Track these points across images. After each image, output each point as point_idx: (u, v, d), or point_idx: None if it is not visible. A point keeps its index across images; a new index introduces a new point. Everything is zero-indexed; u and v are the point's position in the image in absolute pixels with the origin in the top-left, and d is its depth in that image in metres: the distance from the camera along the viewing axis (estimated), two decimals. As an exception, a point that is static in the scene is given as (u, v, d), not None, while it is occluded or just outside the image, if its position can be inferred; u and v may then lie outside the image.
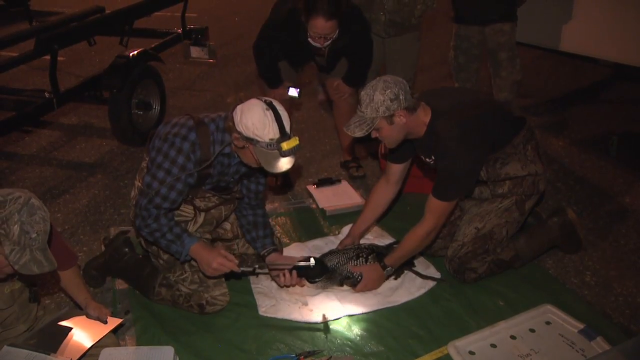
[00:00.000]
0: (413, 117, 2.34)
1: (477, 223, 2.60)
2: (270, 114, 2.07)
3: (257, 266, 2.44)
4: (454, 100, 2.48)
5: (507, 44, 3.78)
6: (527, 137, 2.58)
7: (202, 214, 2.44)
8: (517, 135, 2.55)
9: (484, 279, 2.63)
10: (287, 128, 2.10)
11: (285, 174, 2.19)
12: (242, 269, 2.35)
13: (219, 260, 2.26)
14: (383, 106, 2.26)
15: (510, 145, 2.54)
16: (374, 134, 2.37)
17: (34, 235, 1.69)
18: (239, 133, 2.10)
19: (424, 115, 2.39)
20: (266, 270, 2.52)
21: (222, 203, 2.45)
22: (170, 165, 2.16)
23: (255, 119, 2.06)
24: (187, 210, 2.41)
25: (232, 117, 2.14)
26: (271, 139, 2.07)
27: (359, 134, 2.32)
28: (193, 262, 2.37)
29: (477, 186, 2.62)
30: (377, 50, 3.57)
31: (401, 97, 2.26)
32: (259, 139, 2.07)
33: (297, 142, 2.12)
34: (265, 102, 2.11)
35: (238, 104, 2.15)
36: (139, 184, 2.38)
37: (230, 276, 2.44)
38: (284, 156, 2.11)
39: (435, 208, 2.42)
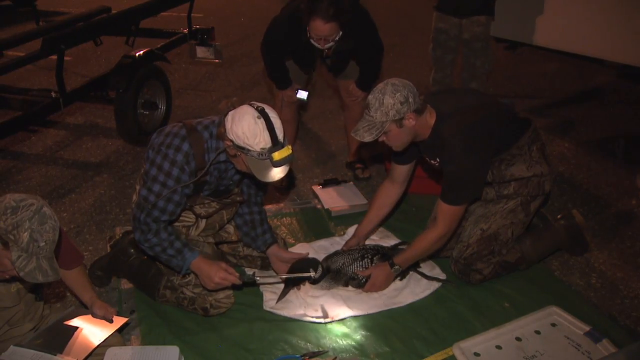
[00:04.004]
0: (421, 120, 2.33)
1: (483, 224, 2.60)
2: (261, 122, 1.99)
3: (258, 278, 2.42)
4: (458, 102, 2.47)
5: (482, 35, 3.93)
6: (533, 137, 2.57)
7: (204, 220, 2.44)
8: (522, 136, 2.54)
9: (489, 280, 2.62)
10: (280, 137, 2.03)
11: (291, 176, 2.16)
12: (243, 281, 2.35)
13: (221, 275, 2.25)
14: (393, 110, 2.23)
15: (516, 147, 2.53)
16: (382, 138, 2.34)
17: (42, 244, 1.70)
18: (230, 141, 2.05)
19: (430, 118, 2.38)
20: (268, 281, 2.53)
21: (222, 208, 2.44)
22: (165, 178, 2.14)
23: (245, 128, 1.98)
24: (188, 215, 2.41)
25: (224, 124, 2.08)
26: (262, 149, 2.00)
27: (368, 138, 2.29)
28: None
29: (484, 187, 2.61)
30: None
31: (410, 100, 2.24)
32: (250, 148, 2.01)
33: (290, 151, 2.05)
34: (257, 109, 2.03)
35: (230, 110, 2.09)
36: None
37: (231, 288, 2.43)
38: (275, 166, 2.04)
39: (446, 213, 2.42)
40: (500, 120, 2.51)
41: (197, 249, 2.35)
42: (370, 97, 2.30)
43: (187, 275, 2.40)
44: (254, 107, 2.05)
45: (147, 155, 2.22)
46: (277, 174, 2.07)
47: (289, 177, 3.55)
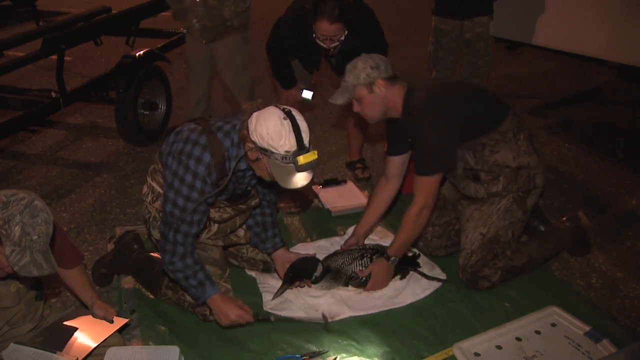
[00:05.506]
0: (392, 90, 2.42)
1: (481, 228, 2.56)
2: (287, 123, 1.92)
3: (272, 317, 2.37)
4: (431, 79, 2.51)
5: (484, 34, 3.94)
6: (517, 125, 2.51)
7: (216, 224, 2.41)
8: (503, 121, 2.49)
9: (497, 287, 2.58)
10: (306, 141, 1.95)
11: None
12: (259, 319, 2.32)
13: (238, 312, 2.23)
14: (364, 73, 2.38)
15: (497, 132, 2.48)
16: (356, 108, 2.48)
17: (35, 237, 1.69)
18: (253, 142, 1.98)
19: (402, 90, 2.45)
20: (283, 317, 2.43)
21: (237, 214, 2.41)
22: (189, 191, 2.07)
23: (270, 128, 1.91)
24: None
25: (247, 125, 2.01)
26: (287, 151, 1.92)
27: (340, 101, 2.45)
28: None
29: (473, 184, 2.56)
30: (200, 54, 3.70)
31: (382, 67, 2.39)
32: (273, 150, 1.93)
33: (316, 156, 1.97)
34: (283, 110, 1.96)
35: (255, 111, 2.03)
36: (153, 184, 2.35)
37: (244, 325, 2.35)
38: (299, 171, 1.96)
39: (421, 185, 2.43)
40: (475, 98, 2.52)
41: (217, 285, 2.30)
42: (347, 65, 2.45)
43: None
44: (280, 108, 1.99)
45: (167, 162, 2.14)
46: (301, 180, 1.98)
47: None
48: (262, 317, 2.35)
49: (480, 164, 2.51)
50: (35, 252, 1.70)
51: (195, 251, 2.24)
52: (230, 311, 2.23)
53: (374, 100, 2.43)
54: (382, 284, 2.58)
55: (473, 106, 2.48)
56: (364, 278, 2.56)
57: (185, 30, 3.73)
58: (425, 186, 2.42)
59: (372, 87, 2.40)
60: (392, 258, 2.55)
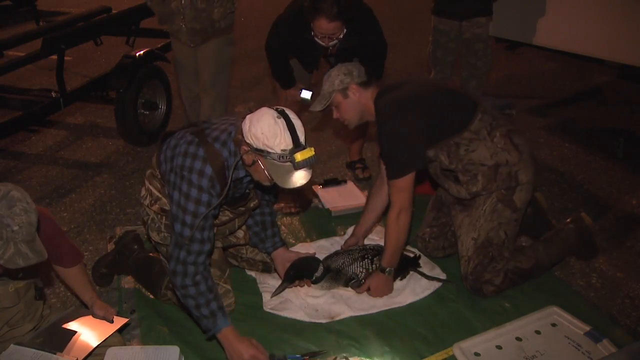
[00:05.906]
0: (365, 94, 2.51)
1: (472, 233, 2.53)
2: (281, 122, 1.90)
3: (288, 357, 2.24)
4: (402, 83, 2.58)
5: (483, 35, 3.95)
6: (489, 123, 2.47)
7: (214, 227, 2.40)
8: (471, 120, 2.46)
9: (504, 290, 2.55)
10: (302, 138, 1.93)
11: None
12: None
13: (251, 353, 2.10)
14: (337, 79, 2.49)
15: (469, 132, 2.45)
16: (335, 114, 2.57)
17: (15, 228, 1.66)
18: (248, 145, 1.96)
19: (374, 94, 2.53)
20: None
21: (236, 217, 2.41)
22: (196, 206, 2.05)
23: (265, 128, 1.89)
24: None
25: (241, 129, 2.00)
26: (283, 150, 1.90)
27: (318, 108, 2.55)
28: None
29: (454, 185, 2.53)
30: (188, 57, 3.69)
31: (354, 73, 2.50)
32: (269, 150, 1.90)
33: (313, 152, 1.94)
34: (276, 110, 1.95)
35: (248, 114, 2.02)
36: (151, 188, 2.33)
37: None
38: (297, 169, 1.93)
39: (394, 189, 2.44)
40: (443, 99, 2.53)
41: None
42: (324, 76, 2.56)
43: None
44: (273, 108, 1.98)
45: (170, 179, 2.12)
46: (300, 179, 1.96)
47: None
48: (278, 359, 2.20)
49: (455, 164, 2.49)
50: (20, 242, 1.67)
51: (210, 277, 2.17)
52: (243, 350, 2.10)
53: (348, 104, 2.52)
54: (385, 294, 2.57)
55: (439, 106, 2.48)
56: (363, 280, 2.56)
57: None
58: (398, 189, 2.42)
59: (346, 92, 2.50)
60: (387, 269, 2.53)
